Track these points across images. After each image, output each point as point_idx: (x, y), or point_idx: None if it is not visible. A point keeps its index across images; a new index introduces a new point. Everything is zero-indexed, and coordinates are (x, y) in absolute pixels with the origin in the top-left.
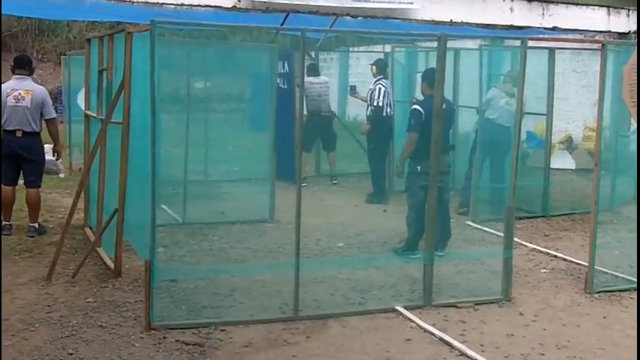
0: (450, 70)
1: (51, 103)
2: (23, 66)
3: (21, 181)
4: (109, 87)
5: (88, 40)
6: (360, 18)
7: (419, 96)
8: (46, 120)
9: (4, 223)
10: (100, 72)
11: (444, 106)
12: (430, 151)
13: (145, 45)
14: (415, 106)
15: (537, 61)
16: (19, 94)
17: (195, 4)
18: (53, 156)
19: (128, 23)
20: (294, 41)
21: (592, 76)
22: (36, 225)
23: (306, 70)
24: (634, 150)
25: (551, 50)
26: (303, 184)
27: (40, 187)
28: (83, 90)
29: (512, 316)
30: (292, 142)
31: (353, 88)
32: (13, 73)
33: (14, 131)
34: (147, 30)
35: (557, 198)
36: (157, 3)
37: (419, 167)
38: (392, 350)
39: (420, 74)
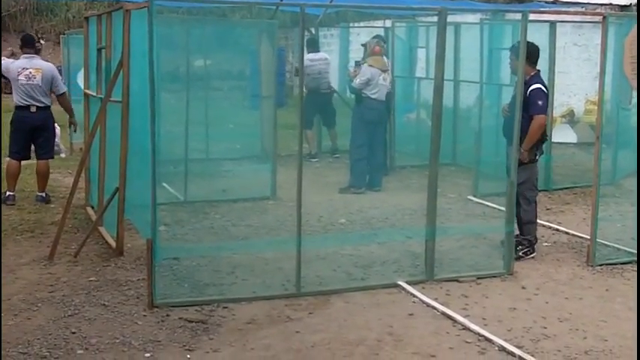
0: (450, 44)
1: (60, 78)
2: (27, 45)
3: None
4: (107, 65)
5: (87, 18)
6: None
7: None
8: (57, 96)
9: (8, 193)
10: (99, 50)
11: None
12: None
13: (144, 23)
14: (537, 85)
15: (538, 34)
16: (30, 72)
17: None
18: (70, 127)
19: (126, 1)
20: (294, 17)
21: (593, 50)
22: (43, 194)
23: (305, 46)
24: (635, 123)
25: (552, 24)
26: (315, 160)
27: (52, 157)
28: (83, 69)
29: (515, 289)
30: None
31: (358, 64)
32: (22, 52)
33: (28, 107)
34: (145, 7)
35: (559, 172)
36: None
37: (537, 153)
38: (395, 325)
39: (512, 50)
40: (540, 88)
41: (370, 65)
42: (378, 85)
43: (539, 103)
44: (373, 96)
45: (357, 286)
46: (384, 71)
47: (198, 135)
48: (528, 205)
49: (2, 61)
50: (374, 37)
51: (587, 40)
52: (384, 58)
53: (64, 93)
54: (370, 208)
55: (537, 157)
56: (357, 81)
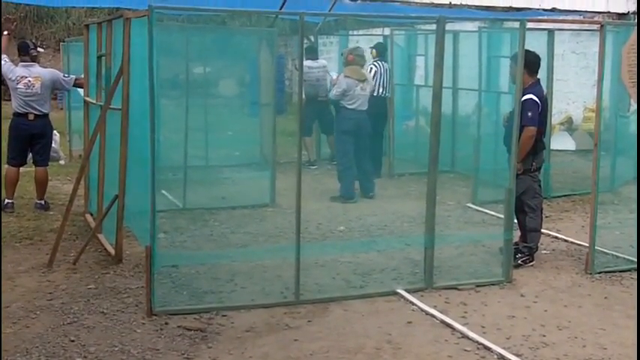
0: (449, 52)
1: (61, 75)
2: (23, 52)
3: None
4: (107, 73)
5: (87, 26)
6: (359, 1)
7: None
8: (72, 87)
9: (6, 200)
10: (99, 58)
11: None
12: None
13: (144, 30)
14: (529, 96)
15: (537, 42)
16: (29, 81)
17: None
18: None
19: (127, 9)
20: (293, 25)
21: (591, 57)
22: (42, 202)
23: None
24: (634, 130)
25: (551, 32)
26: (314, 167)
27: (47, 165)
28: (82, 76)
29: (514, 297)
30: None
31: None
32: (19, 59)
33: (26, 114)
34: (145, 15)
35: (558, 179)
36: None
37: (535, 163)
38: (393, 333)
39: (512, 59)
40: (532, 99)
41: (347, 76)
42: (355, 95)
43: (529, 114)
44: (350, 106)
45: (355, 293)
46: (362, 81)
47: (197, 142)
48: (534, 212)
49: (5, 64)
50: (372, 46)
51: (585, 47)
52: (383, 63)
53: (75, 83)
54: (369, 215)
55: (535, 167)
56: (333, 92)
